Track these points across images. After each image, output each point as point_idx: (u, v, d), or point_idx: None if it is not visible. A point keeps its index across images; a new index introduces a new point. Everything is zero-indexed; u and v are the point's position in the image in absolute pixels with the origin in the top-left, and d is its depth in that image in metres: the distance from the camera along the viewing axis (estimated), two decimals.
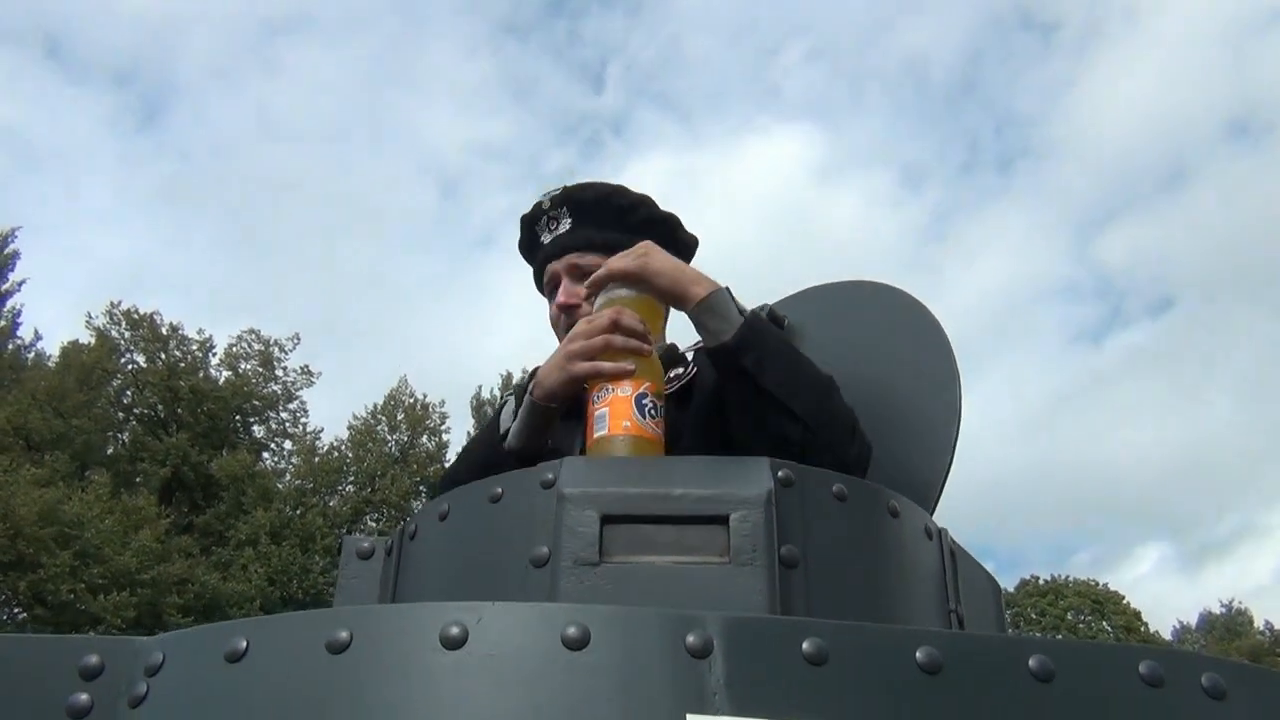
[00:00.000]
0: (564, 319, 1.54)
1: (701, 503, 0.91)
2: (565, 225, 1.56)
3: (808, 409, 1.25)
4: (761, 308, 1.78)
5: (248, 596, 20.57)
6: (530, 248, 1.65)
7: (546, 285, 1.62)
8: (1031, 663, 0.71)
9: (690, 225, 1.64)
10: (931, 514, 1.12)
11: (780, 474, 0.94)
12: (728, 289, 1.32)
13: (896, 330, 1.62)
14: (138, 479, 22.85)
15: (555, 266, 1.57)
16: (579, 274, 1.53)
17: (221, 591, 20.28)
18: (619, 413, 1.18)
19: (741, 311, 1.30)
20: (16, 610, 18.11)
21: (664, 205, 1.61)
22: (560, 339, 1.51)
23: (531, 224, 1.61)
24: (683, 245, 1.60)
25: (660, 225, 1.57)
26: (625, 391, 1.19)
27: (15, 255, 23.98)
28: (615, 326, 1.25)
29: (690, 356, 1.52)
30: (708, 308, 1.29)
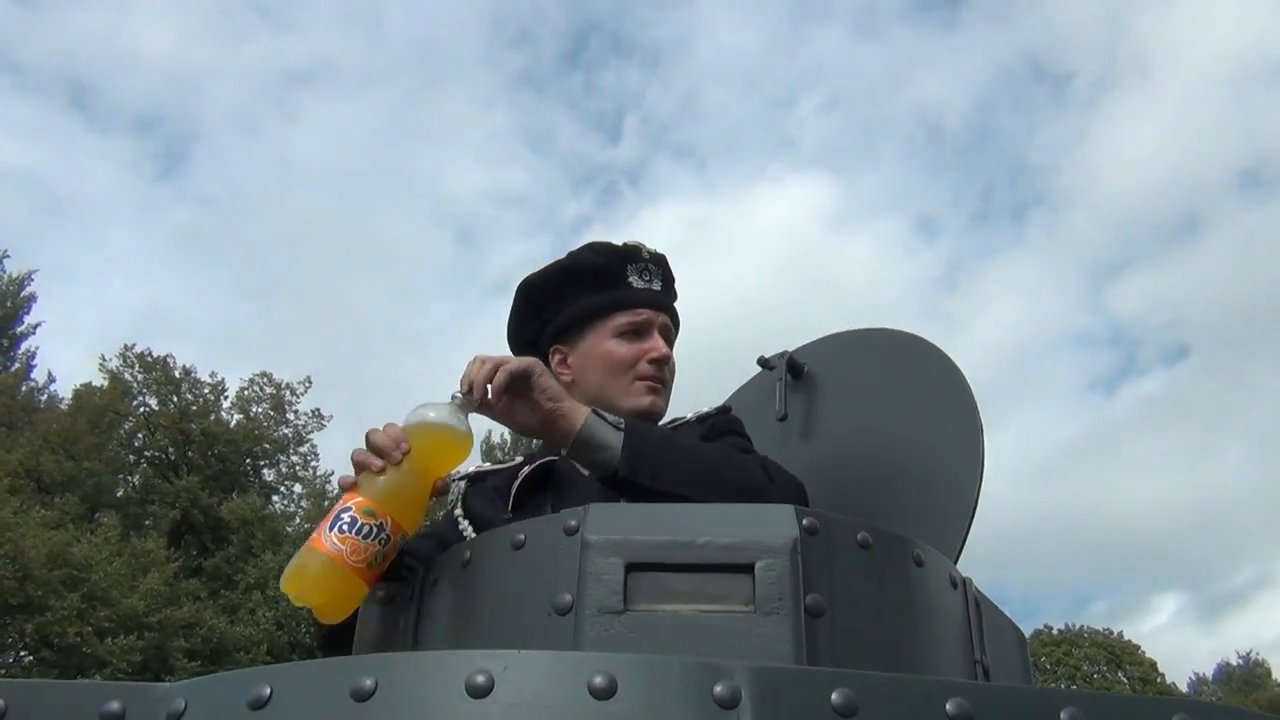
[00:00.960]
0: (650, 369, 1.57)
1: (726, 551, 0.91)
2: (658, 284, 1.63)
3: (706, 495, 1.23)
4: (781, 355, 1.80)
5: (255, 641, 20.38)
6: (609, 279, 1.60)
7: (627, 325, 1.59)
8: (1063, 716, 0.70)
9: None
10: (955, 563, 1.11)
11: (805, 521, 0.93)
12: (594, 411, 1.29)
13: (920, 380, 1.62)
14: (147, 521, 22.80)
15: (655, 318, 1.61)
16: (667, 335, 1.62)
17: (229, 635, 20.10)
18: (320, 526, 1.07)
19: (616, 425, 1.28)
20: (23, 653, 17.98)
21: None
22: (620, 378, 1.56)
23: (624, 259, 1.60)
24: None
25: None
26: (337, 505, 1.09)
27: (32, 298, 24.22)
28: (366, 439, 1.16)
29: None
30: (583, 444, 1.27)
